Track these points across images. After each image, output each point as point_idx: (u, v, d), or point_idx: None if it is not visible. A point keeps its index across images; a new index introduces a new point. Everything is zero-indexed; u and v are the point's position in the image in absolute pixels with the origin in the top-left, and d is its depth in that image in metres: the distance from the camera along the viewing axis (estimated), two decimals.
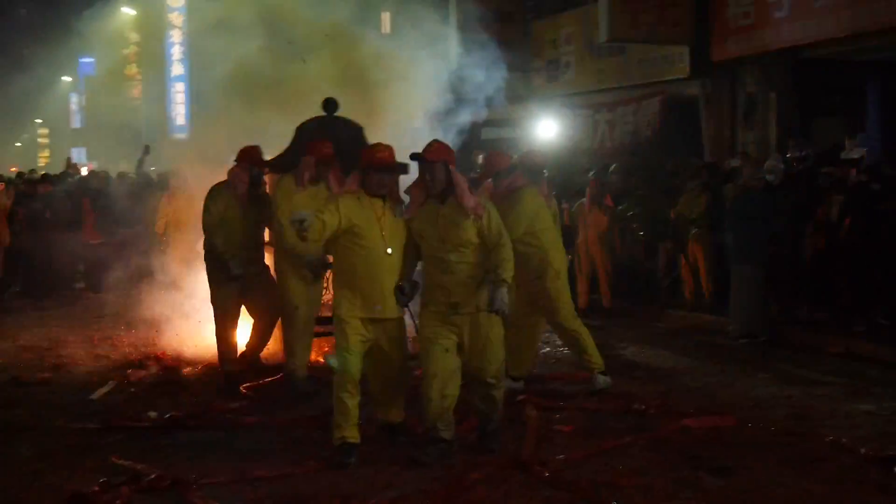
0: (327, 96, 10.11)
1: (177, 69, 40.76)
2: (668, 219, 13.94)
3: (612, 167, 15.60)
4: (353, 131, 10.08)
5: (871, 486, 6.61)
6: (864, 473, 6.88)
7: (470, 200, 7.23)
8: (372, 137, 9.61)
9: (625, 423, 8.21)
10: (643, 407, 8.62)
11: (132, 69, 49.33)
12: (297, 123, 10.21)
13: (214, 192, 9.71)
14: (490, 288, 7.21)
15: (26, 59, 55.19)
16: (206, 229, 9.65)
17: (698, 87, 16.80)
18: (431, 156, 7.31)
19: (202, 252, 9.83)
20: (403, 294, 7.35)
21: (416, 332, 7.43)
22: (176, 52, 40.87)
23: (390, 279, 7.32)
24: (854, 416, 8.55)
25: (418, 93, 13.61)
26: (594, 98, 19.30)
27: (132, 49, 49.09)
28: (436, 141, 7.54)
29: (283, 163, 9.86)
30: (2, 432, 8.19)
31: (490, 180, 9.41)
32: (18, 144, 70.47)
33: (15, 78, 54.26)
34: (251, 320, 9.99)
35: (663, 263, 14.58)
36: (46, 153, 67.26)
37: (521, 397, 8.93)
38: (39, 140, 71.31)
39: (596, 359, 9.41)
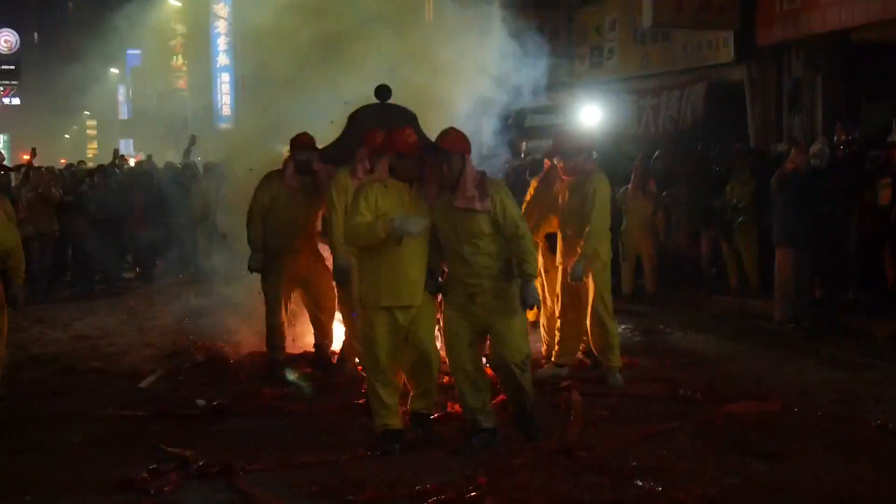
0: (380, 83, 9.93)
1: (222, 60, 41.04)
2: (711, 206, 13.87)
3: (657, 153, 15.53)
4: (407, 119, 9.78)
5: None
6: None
7: (461, 199, 7.03)
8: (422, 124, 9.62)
9: (670, 409, 8.19)
10: (689, 392, 8.59)
11: (178, 60, 49.69)
12: (348, 111, 10.18)
13: (264, 181, 9.74)
14: (519, 285, 7.15)
15: (74, 52, 55.68)
16: (248, 217, 9.72)
17: (744, 71, 16.66)
18: (448, 146, 7.10)
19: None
20: (434, 279, 7.26)
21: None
22: (221, 42, 41.17)
23: (414, 266, 7.14)
24: None
25: (464, 80, 13.66)
26: (639, 84, 19.22)
27: (178, 40, 49.46)
28: (452, 129, 7.28)
29: (335, 152, 9.81)
30: (54, 419, 8.31)
31: (557, 159, 9.40)
32: (67, 136, 71.15)
33: (64, 70, 54.83)
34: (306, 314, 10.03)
35: (707, 250, 14.52)
36: (94, 145, 67.84)
37: (565, 383, 8.93)
38: (88, 132, 71.97)
39: (616, 359, 9.28)
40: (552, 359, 9.61)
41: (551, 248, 9.75)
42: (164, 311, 13.34)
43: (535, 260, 7.31)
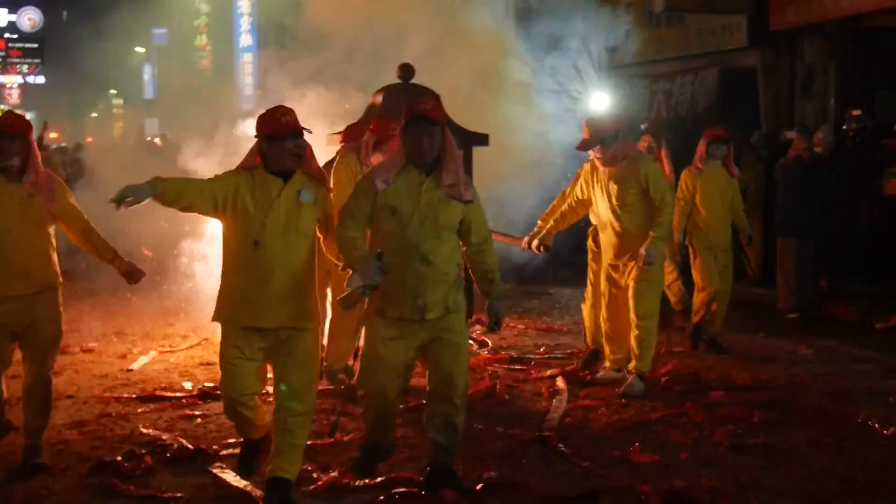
0: (403, 62, 9.58)
1: (245, 40, 41.10)
2: None
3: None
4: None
5: (895, 468, 6.48)
6: (890, 454, 6.75)
7: (448, 178, 5.79)
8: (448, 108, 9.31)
9: (654, 399, 8.13)
10: (674, 382, 8.53)
11: (202, 40, 49.73)
12: (372, 92, 9.92)
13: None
14: (490, 303, 6.04)
15: (102, 31, 55.82)
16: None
17: (757, 57, 16.49)
18: (437, 115, 5.83)
19: None
20: (370, 287, 5.56)
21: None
22: (244, 22, 41.21)
23: (285, 276, 5.71)
24: (892, 393, 8.40)
25: (485, 64, 13.65)
26: (652, 69, 19.05)
27: (202, 20, 49.49)
28: (431, 96, 6.31)
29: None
30: None
31: (596, 150, 8.40)
32: (94, 115, 71.45)
33: (90, 49, 55.00)
34: None
35: None
36: (121, 123, 68.11)
37: (551, 371, 8.89)
38: (114, 111, 72.23)
39: (647, 364, 8.42)
40: (606, 363, 8.84)
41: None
42: (171, 294, 13.27)
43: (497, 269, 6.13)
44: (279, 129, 5.70)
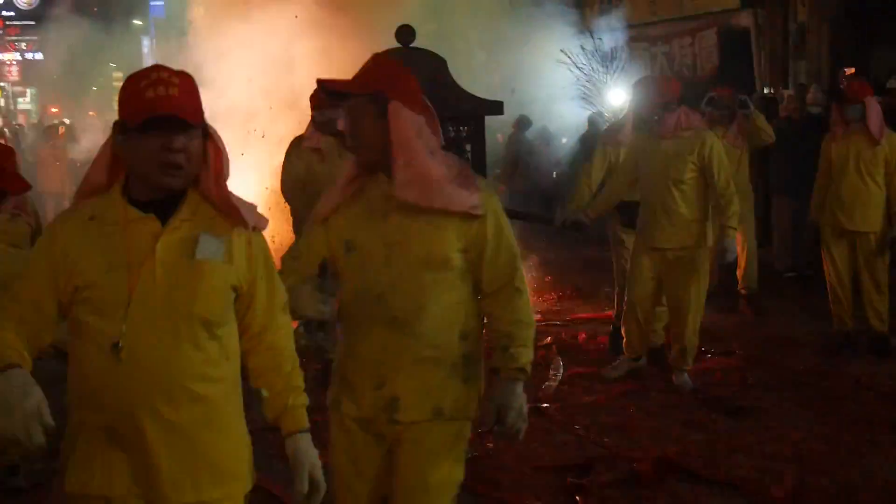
0: (402, 23, 8.37)
1: None
2: None
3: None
4: (434, 66, 8.17)
5: (883, 426, 6.62)
6: (880, 412, 6.90)
7: (427, 186, 3.40)
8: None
9: (648, 365, 8.10)
10: (664, 347, 8.54)
11: (200, 12, 49.57)
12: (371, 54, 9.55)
13: (290, 149, 7.92)
14: (502, 386, 3.53)
15: (99, 4, 55.73)
16: (284, 195, 7.89)
17: (750, 17, 16.50)
18: (359, 87, 3.48)
19: None
20: (320, 297, 3.55)
21: None
22: None
23: (154, 421, 2.87)
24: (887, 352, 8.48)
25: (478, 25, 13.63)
26: (649, 31, 19.04)
27: None
28: (380, 56, 3.83)
29: None
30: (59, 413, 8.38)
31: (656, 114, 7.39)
32: (95, 89, 71.22)
33: (88, 23, 54.86)
34: None
35: None
36: None
37: (548, 340, 8.98)
38: (114, 84, 71.96)
39: (692, 360, 7.70)
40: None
41: (627, 222, 8.12)
42: None
43: (532, 337, 3.59)
44: (140, 111, 2.85)
